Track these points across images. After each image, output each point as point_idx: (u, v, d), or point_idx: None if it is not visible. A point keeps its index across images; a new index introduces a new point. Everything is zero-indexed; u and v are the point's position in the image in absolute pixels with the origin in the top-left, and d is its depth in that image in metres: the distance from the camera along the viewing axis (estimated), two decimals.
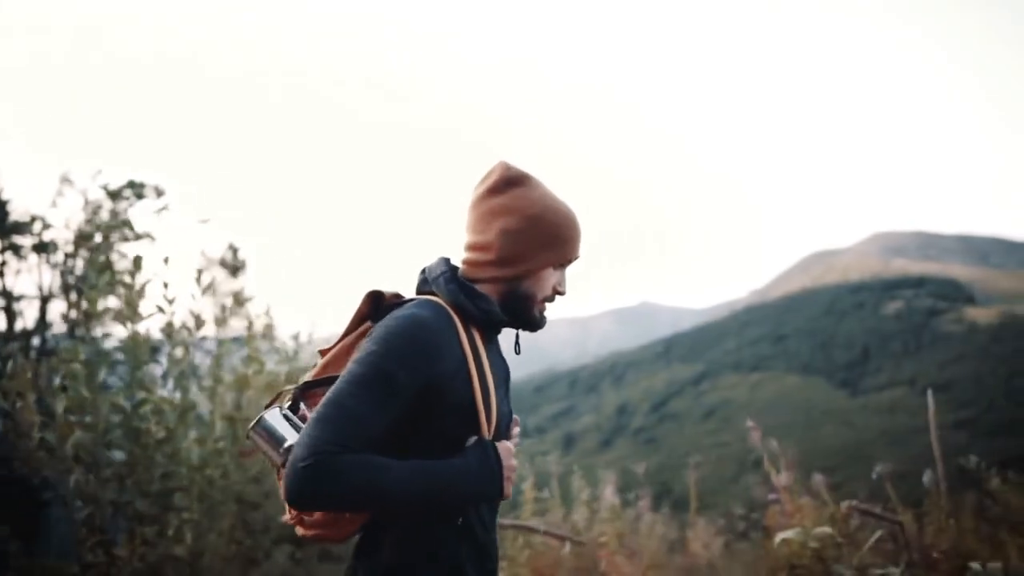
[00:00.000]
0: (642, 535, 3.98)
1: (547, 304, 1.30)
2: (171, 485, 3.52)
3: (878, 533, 3.40)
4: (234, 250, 11.08)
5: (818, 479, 4.48)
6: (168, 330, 3.84)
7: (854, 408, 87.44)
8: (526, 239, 1.23)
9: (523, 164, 1.32)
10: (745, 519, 4.32)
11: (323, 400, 1.11)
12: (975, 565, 2.94)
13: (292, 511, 1.21)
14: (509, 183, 1.26)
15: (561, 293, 1.30)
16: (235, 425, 4.08)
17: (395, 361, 1.12)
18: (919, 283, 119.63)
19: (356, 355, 1.16)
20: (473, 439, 1.18)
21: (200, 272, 3.82)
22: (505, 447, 1.21)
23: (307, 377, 1.25)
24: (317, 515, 1.19)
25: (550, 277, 1.27)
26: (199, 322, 3.84)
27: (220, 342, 4.00)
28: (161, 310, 3.88)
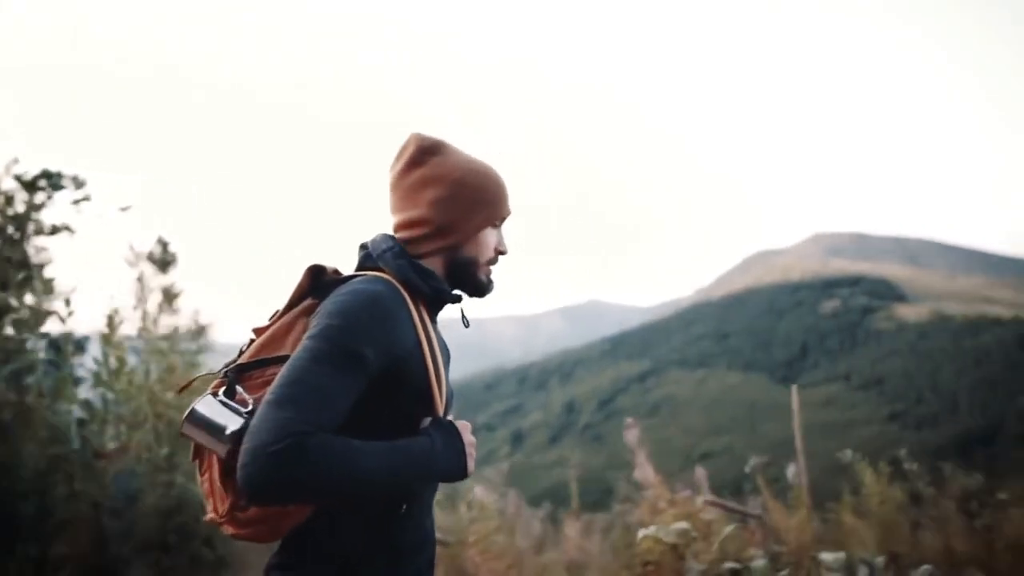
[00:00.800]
0: (513, 534, 3.93)
1: (491, 267, 1.28)
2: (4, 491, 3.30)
3: (731, 527, 3.41)
4: (163, 244, 10.52)
5: (699, 473, 4.49)
6: (19, 327, 3.60)
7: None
8: (457, 204, 1.21)
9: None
10: (625, 515, 4.33)
11: (280, 379, 1.01)
12: (819, 554, 2.97)
13: (218, 509, 1.10)
14: (426, 152, 1.23)
15: (503, 252, 1.28)
16: (86, 427, 3.86)
17: (358, 336, 1.05)
18: (855, 282, 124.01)
19: (310, 331, 1.07)
20: (428, 419, 1.14)
21: (41, 266, 3.59)
22: (463, 424, 1.17)
23: (242, 360, 1.14)
24: (253, 511, 1.08)
25: (489, 238, 1.25)
26: (41, 317, 3.61)
27: (64, 337, 3.78)
28: (12, 307, 3.64)
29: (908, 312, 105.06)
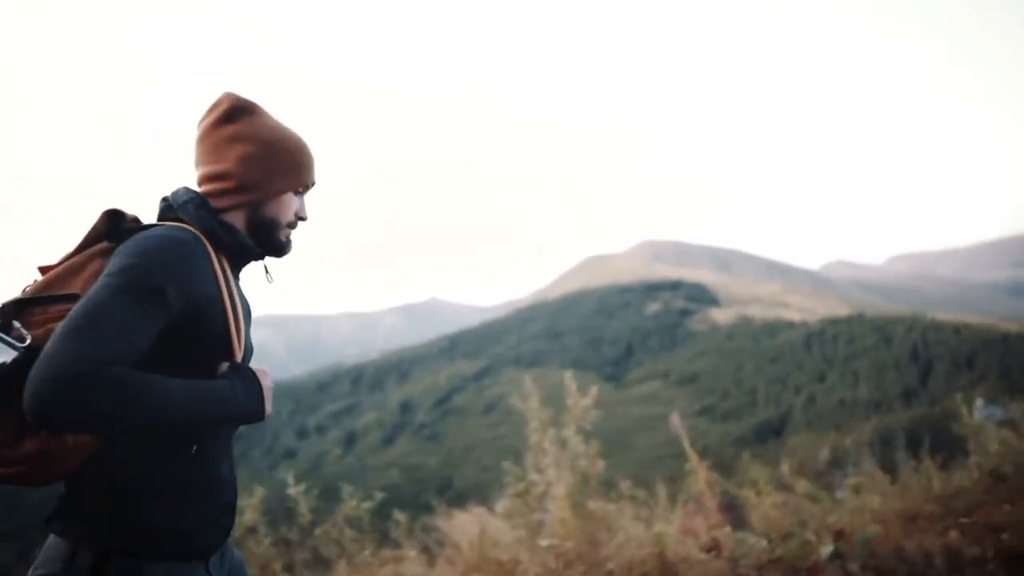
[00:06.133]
0: None
1: (291, 231, 1.31)
2: None
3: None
4: None
5: None
6: None
7: (618, 400, 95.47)
8: (265, 164, 1.24)
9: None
10: None
11: (77, 311, 1.01)
12: None
13: None
14: (240, 111, 1.25)
15: (303, 219, 1.32)
16: None
17: (160, 274, 1.07)
18: (675, 287, 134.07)
19: (109, 269, 1.07)
20: (226, 364, 1.16)
21: None
22: (260, 369, 1.20)
23: (25, 295, 1.11)
24: (29, 447, 1.05)
25: (291, 203, 1.29)
26: None
27: None
28: None
29: (719, 315, 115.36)
